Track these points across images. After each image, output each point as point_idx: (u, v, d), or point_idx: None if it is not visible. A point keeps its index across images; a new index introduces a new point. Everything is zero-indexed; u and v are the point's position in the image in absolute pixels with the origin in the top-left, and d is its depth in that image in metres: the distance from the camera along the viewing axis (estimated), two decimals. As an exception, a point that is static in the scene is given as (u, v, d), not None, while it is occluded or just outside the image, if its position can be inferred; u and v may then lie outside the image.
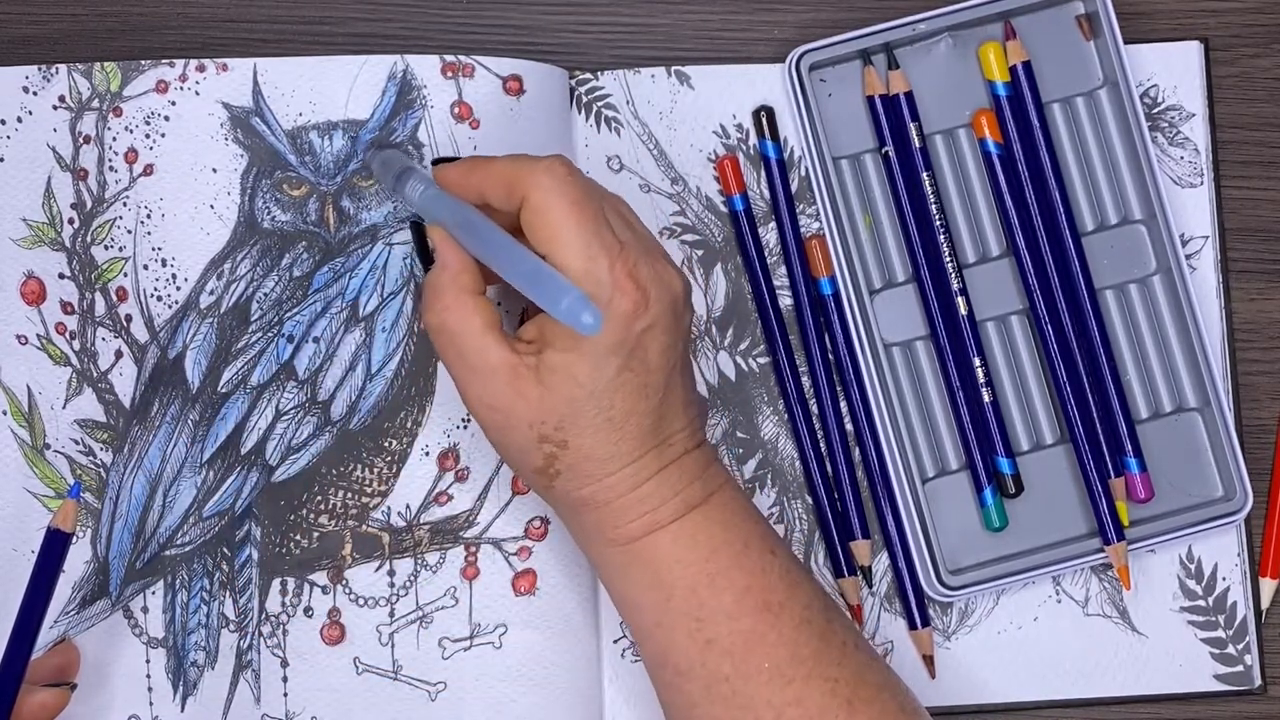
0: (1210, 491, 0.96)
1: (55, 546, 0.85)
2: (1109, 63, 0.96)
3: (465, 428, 0.92)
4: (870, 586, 0.96)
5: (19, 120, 0.92)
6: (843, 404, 0.96)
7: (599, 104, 0.97)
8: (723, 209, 0.97)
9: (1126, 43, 0.96)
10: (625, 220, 0.84)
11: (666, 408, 0.83)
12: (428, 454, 0.92)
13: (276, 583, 0.92)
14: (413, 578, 0.92)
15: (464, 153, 0.93)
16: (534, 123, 0.94)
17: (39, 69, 0.92)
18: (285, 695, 0.91)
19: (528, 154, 0.84)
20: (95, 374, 0.92)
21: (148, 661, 0.91)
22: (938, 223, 0.95)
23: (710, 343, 0.96)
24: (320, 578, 0.92)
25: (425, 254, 0.84)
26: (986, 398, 0.95)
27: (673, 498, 0.83)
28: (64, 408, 0.91)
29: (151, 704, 0.91)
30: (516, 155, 0.84)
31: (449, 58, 0.94)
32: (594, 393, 0.81)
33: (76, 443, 0.91)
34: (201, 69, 0.93)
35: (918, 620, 0.95)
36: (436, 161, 0.86)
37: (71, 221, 0.92)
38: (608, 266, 0.80)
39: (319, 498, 0.92)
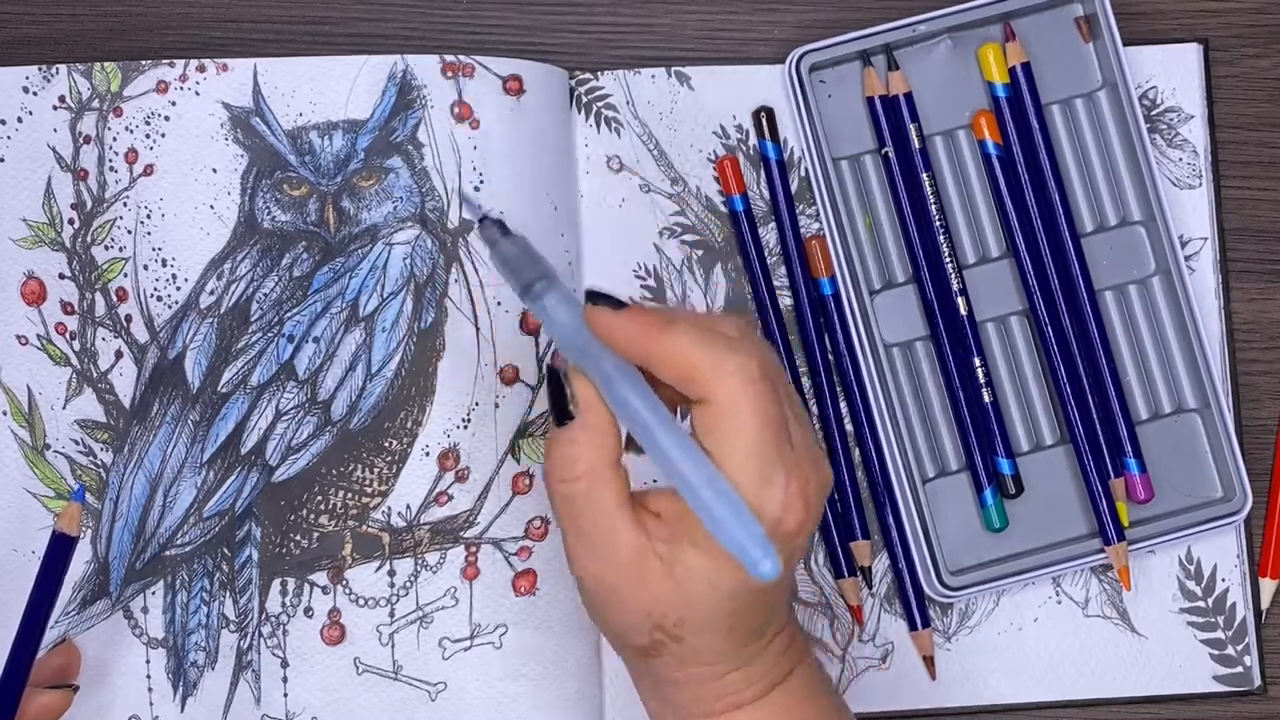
0: (1210, 492, 0.96)
1: (59, 550, 0.85)
2: (1108, 64, 0.96)
3: (465, 427, 0.92)
4: (870, 587, 0.96)
5: (19, 120, 0.92)
6: (843, 404, 0.96)
7: (599, 104, 0.97)
8: (723, 209, 0.97)
9: (1127, 43, 0.96)
10: (798, 416, 0.76)
11: (776, 606, 0.79)
12: (428, 454, 0.92)
13: (277, 583, 0.92)
14: (413, 578, 0.92)
15: (464, 154, 0.93)
16: (534, 123, 0.94)
17: (39, 69, 0.92)
18: (285, 695, 0.91)
19: (713, 333, 0.74)
20: (95, 374, 0.92)
21: (148, 662, 0.91)
22: (937, 223, 0.95)
23: (710, 343, 0.96)
24: (320, 578, 0.92)
25: (562, 405, 0.75)
26: (986, 398, 0.95)
27: (760, 680, 0.79)
28: (64, 408, 0.91)
29: (152, 704, 0.91)
30: (701, 333, 0.73)
31: (449, 58, 0.94)
32: (725, 601, 0.75)
33: (77, 443, 0.91)
34: (202, 69, 0.93)
35: (918, 621, 0.95)
36: (592, 295, 0.75)
37: (72, 222, 0.92)
38: (783, 486, 0.73)
39: (319, 498, 0.92)
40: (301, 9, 0.97)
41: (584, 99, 0.97)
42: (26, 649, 0.83)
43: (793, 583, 0.81)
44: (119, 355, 0.92)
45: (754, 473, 0.73)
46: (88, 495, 0.91)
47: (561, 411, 0.75)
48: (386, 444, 0.92)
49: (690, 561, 0.74)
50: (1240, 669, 0.96)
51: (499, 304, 0.93)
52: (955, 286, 0.95)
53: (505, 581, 0.92)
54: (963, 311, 0.95)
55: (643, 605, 0.75)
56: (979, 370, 0.95)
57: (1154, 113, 0.98)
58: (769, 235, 0.97)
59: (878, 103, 0.96)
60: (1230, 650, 0.96)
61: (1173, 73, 0.98)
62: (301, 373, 0.92)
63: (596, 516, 0.75)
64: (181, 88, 0.93)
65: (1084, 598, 0.96)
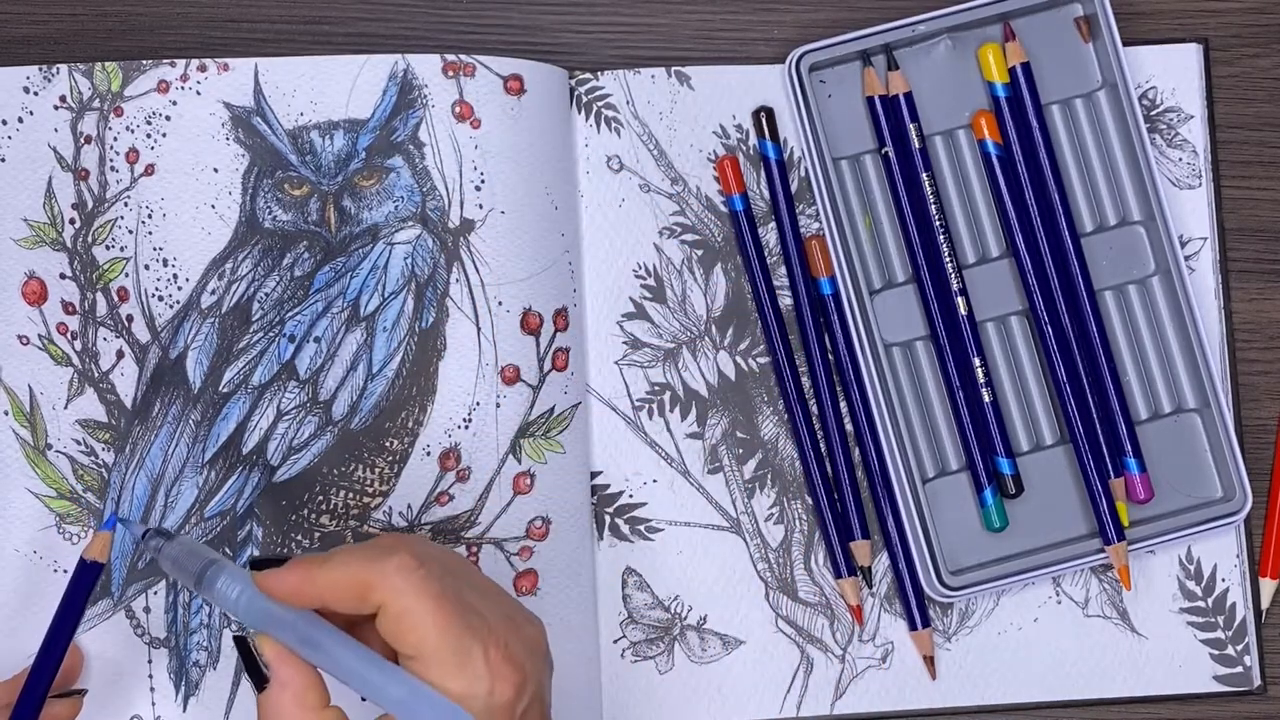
0: (1210, 492, 0.96)
1: (86, 576, 0.84)
2: (1108, 64, 0.96)
3: (466, 427, 0.92)
4: (870, 587, 0.96)
5: (20, 120, 0.92)
6: (843, 404, 0.96)
7: (599, 104, 0.97)
8: (723, 209, 0.97)
9: (1127, 43, 0.96)
10: (477, 586, 0.77)
11: None
12: (429, 454, 0.92)
13: (278, 583, 0.92)
14: (414, 578, 0.92)
15: (465, 153, 0.93)
16: (534, 122, 0.94)
17: (40, 69, 0.92)
18: (287, 695, 0.91)
19: (366, 547, 0.76)
20: (97, 374, 0.92)
21: (150, 662, 0.91)
22: (937, 223, 0.95)
23: (710, 343, 0.96)
24: (322, 578, 0.92)
25: (257, 671, 0.75)
26: (986, 398, 0.95)
27: None
28: (65, 408, 0.91)
29: (154, 704, 0.91)
30: (355, 552, 0.75)
31: (450, 57, 0.94)
32: None
33: (78, 443, 0.91)
34: (203, 69, 0.93)
35: (918, 621, 0.95)
36: (254, 562, 0.76)
37: (73, 221, 0.92)
38: (483, 657, 0.73)
39: (320, 498, 0.92)
40: (302, 9, 0.97)
41: (584, 99, 0.97)
42: (46, 670, 0.83)
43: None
44: (120, 355, 0.92)
45: (448, 657, 0.73)
46: (90, 495, 0.91)
47: (259, 677, 0.75)
48: (388, 444, 0.92)
49: None
50: (1240, 669, 0.96)
51: (500, 304, 0.93)
52: (955, 286, 0.95)
53: (506, 581, 0.92)
54: (963, 311, 0.95)
55: None
56: (979, 370, 0.95)
57: (1154, 113, 0.98)
58: (769, 235, 0.97)
59: (878, 103, 0.96)
60: (1230, 650, 0.96)
61: (1173, 73, 0.99)
62: (303, 373, 0.92)
63: None
64: (182, 87, 0.93)
65: (1084, 598, 0.96)
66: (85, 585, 0.84)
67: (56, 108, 0.92)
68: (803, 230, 0.97)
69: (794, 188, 0.97)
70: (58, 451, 0.91)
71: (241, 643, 0.75)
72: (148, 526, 0.84)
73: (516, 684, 0.74)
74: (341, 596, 0.74)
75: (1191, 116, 0.98)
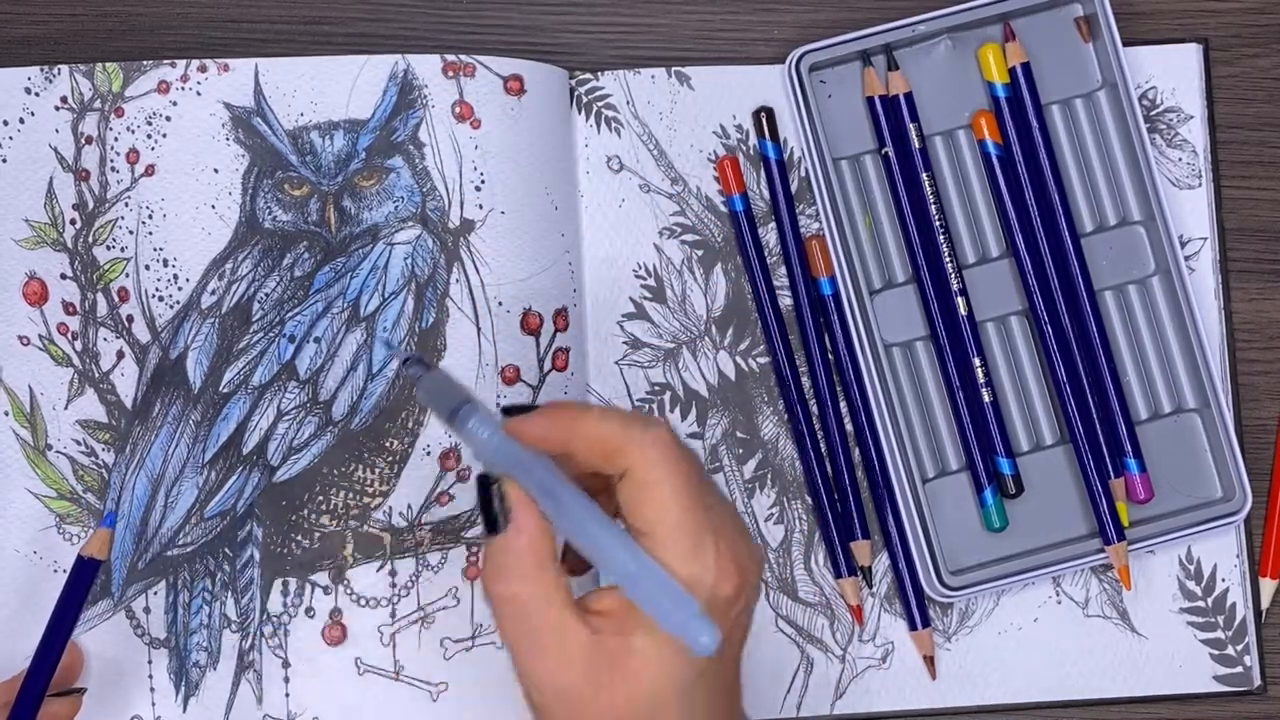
0: (1210, 492, 0.96)
1: (85, 573, 0.84)
2: (1108, 65, 0.96)
3: (466, 428, 0.92)
4: (870, 587, 0.96)
5: (21, 121, 0.92)
6: (843, 404, 0.96)
7: (599, 104, 0.97)
8: (723, 209, 0.97)
9: (1127, 43, 0.96)
10: (715, 490, 0.77)
11: (733, 704, 0.77)
12: (429, 454, 0.92)
13: (278, 583, 0.92)
14: (414, 578, 0.92)
15: (465, 154, 0.93)
16: (535, 122, 0.94)
17: (41, 70, 0.92)
18: (287, 696, 0.91)
19: (626, 412, 0.78)
20: (97, 374, 0.92)
21: (150, 662, 0.91)
22: (937, 223, 0.95)
23: (710, 342, 0.96)
24: (322, 578, 0.92)
25: (491, 515, 0.75)
26: (986, 398, 0.95)
27: None
28: (66, 408, 0.91)
29: (154, 704, 0.91)
30: (614, 413, 0.75)
31: (450, 57, 0.94)
32: (682, 689, 0.73)
33: (78, 443, 0.91)
34: (203, 69, 0.93)
35: (918, 621, 0.95)
36: (507, 410, 0.76)
37: (73, 222, 0.92)
38: (714, 552, 0.73)
39: (320, 498, 0.92)
40: (302, 9, 0.97)
41: (584, 99, 0.97)
42: (45, 667, 0.83)
43: (735, 696, 0.79)
44: (120, 355, 0.92)
45: (683, 543, 0.73)
46: (90, 495, 0.91)
47: (492, 521, 0.75)
48: (388, 444, 0.92)
49: (640, 647, 0.73)
50: (1240, 669, 0.96)
51: (500, 304, 0.93)
52: (955, 286, 0.95)
53: (506, 581, 0.92)
54: (963, 311, 0.95)
55: (603, 712, 0.73)
56: (979, 370, 0.95)
57: (1154, 113, 0.98)
58: (769, 235, 0.97)
59: (878, 103, 0.96)
60: (1230, 650, 0.96)
61: (1172, 73, 0.99)
62: (303, 373, 0.92)
63: (545, 616, 0.73)
64: (183, 88, 0.93)
65: (1084, 598, 0.96)
66: (83, 582, 0.84)
67: (57, 108, 0.92)
68: (803, 230, 0.97)
69: (794, 188, 0.97)
70: (58, 452, 0.91)
71: (484, 482, 0.75)
72: (407, 354, 0.83)
73: (737, 586, 0.73)
74: (591, 449, 0.74)
75: (1191, 116, 0.98)
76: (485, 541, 0.75)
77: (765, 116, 0.97)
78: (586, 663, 0.73)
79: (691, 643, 0.70)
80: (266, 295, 0.92)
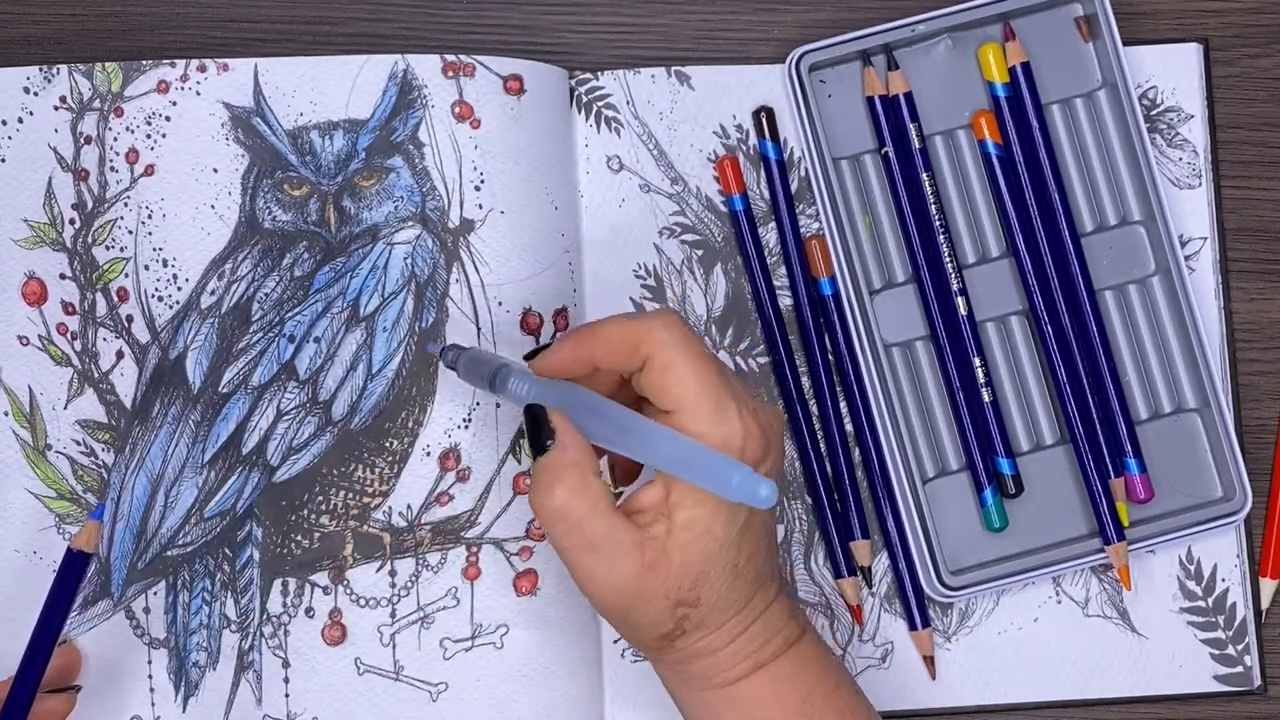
0: (1210, 492, 0.96)
1: (75, 566, 0.84)
2: (1108, 64, 0.96)
3: (466, 427, 0.92)
4: (870, 587, 0.96)
5: (20, 121, 0.92)
6: (843, 404, 0.96)
7: (599, 104, 0.97)
8: (723, 209, 0.97)
9: (1127, 43, 0.96)
10: (720, 361, 0.83)
11: (772, 548, 0.84)
12: (429, 454, 0.92)
13: (278, 583, 0.92)
14: (414, 578, 0.92)
15: (465, 154, 0.93)
16: (534, 122, 0.94)
17: (40, 69, 0.92)
18: (287, 696, 0.91)
19: (632, 314, 0.83)
20: (96, 374, 0.92)
21: (149, 662, 0.91)
22: (937, 223, 0.95)
23: (710, 342, 0.96)
24: (321, 578, 0.92)
25: (539, 438, 0.82)
26: (986, 398, 0.95)
27: (774, 636, 0.83)
28: (65, 408, 0.91)
29: (153, 704, 0.91)
30: (624, 316, 0.83)
31: (450, 57, 0.94)
32: (725, 544, 0.80)
33: (78, 443, 0.91)
34: (203, 69, 0.93)
35: (918, 621, 0.95)
36: (527, 355, 0.85)
37: (73, 222, 0.92)
38: (737, 414, 0.80)
39: (320, 498, 0.92)
40: (302, 9, 0.97)
41: (584, 99, 0.97)
42: (37, 662, 0.83)
43: (774, 541, 0.86)
44: (120, 355, 0.92)
45: (708, 409, 0.79)
46: (90, 496, 0.91)
47: (540, 445, 0.82)
48: (387, 444, 0.92)
49: (683, 521, 0.80)
50: (1240, 669, 0.96)
51: (499, 304, 0.93)
52: (955, 286, 0.95)
53: (506, 582, 0.92)
54: (963, 311, 0.95)
55: (659, 590, 0.80)
56: (979, 370, 0.95)
57: (1154, 113, 0.98)
58: (769, 235, 0.97)
59: (878, 102, 0.96)
60: (1230, 650, 0.96)
61: (1172, 72, 0.99)
62: (302, 373, 0.92)
63: (597, 525, 0.80)
64: (182, 88, 0.93)
65: (1084, 598, 0.96)
66: (74, 576, 0.84)
67: (56, 108, 0.92)
68: (803, 230, 0.97)
69: (794, 188, 0.97)
70: (57, 452, 0.91)
71: (533, 410, 0.82)
72: (441, 345, 0.91)
73: (764, 445, 0.80)
74: (613, 351, 0.81)
75: (1191, 116, 0.98)
76: (534, 464, 0.81)
77: (765, 116, 0.97)
78: (638, 554, 0.80)
79: (752, 499, 0.75)
80: (266, 295, 0.92)
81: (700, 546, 0.80)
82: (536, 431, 0.82)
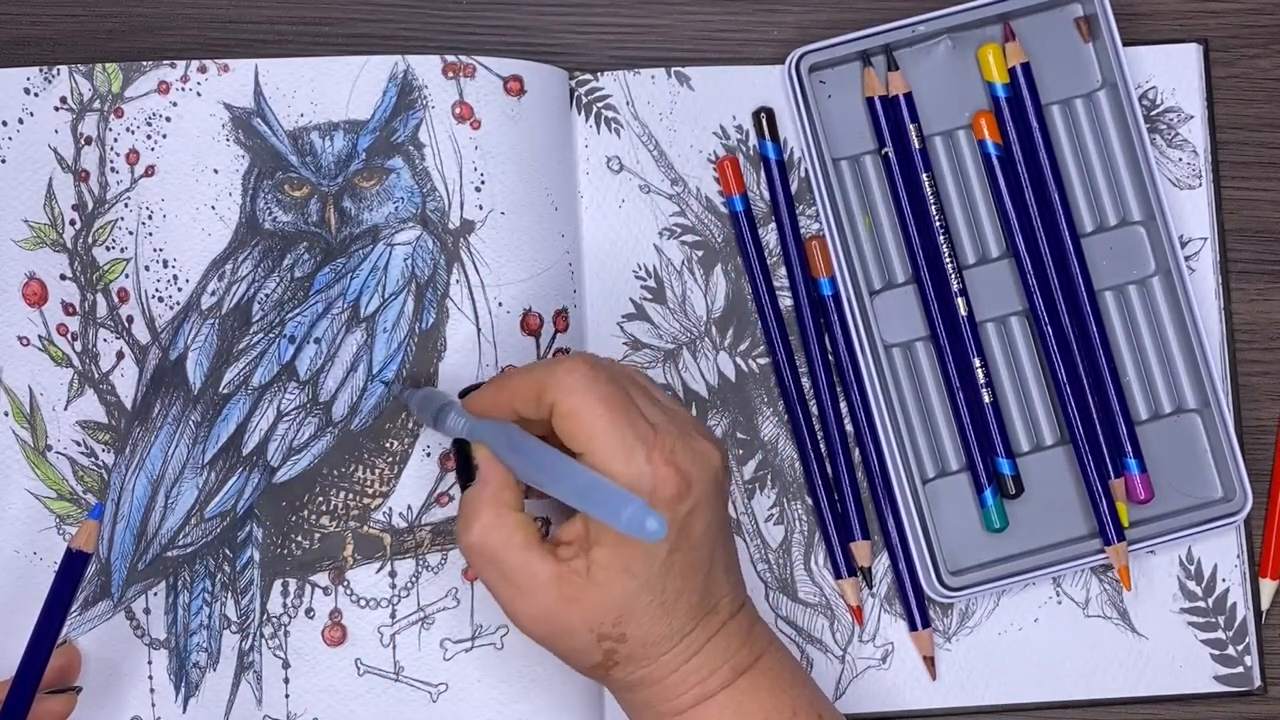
0: (1210, 492, 0.96)
1: (74, 566, 0.84)
2: (1108, 65, 0.96)
3: (466, 428, 0.93)
4: (870, 587, 0.96)
5: (20, 122, 0.92)
6: (843, 405, 0.96)
7: (599, 104, 0.97)
8: (723, 209, 0.97)
9: (1126, 43, 0.96)
10: (652, 399, 0.84)
11: (712, 579, 0.83)
12: (429, 455, 0.92)
13: (278, 584, 0.92)
14: (414, 579, 0.92)
15: (465, 154, 0.93)
16: (535, 123, 0.94)
17: (40, 70, 0.92)
18: (287, 696, 0.91)
19: (548, 360, 0.86)
20: (97, 375, 0.92)
21: (150, 663, 0.91)
22: (937, 224, 0.95)
23: (710, 343, 0.96)
24: (322, 579, 0.92)
25: (467, 472, 0.85)
26: (986, 398, 0.95)
27: (722, 665, 0.83)
28: (65, 409, 0.91)
29: (154, 705, 0.91)
30: (536, 364, 0.86)
31: (450, 58, 0.94)
32: (648, 581, 0.81)
33: (78, 444, 0.91)
34: (203, 70, 0.93)
35: (918, 621, 0.95)
36: (464, 392, 0.88)
37: (73, 223, 0.92)
38: (645, 457, 0.80)
39: (320, 499, 0.92)
40: (302, 9, 0.97)
41: (584, 99, 0.97)
42: (37, 662, 0.83)
43: (736, 560, 0.86)
44: (120, 356, 0.92)
45: (614, 449, 0.80)
46: (90, 496, 0.91)
47: (466, 474, 0.85)
48: (388, 445, 0.92)
49: (602, 559, 0.80)
50: (1240, 669, 0.96)
51: (500, 304, 0.93)
52: (955, 286, 0.95)
53: (506, 582, 0.92)
54: (963, 311, 0.95)
55: (581, 623, 0.81)
56: (979, 370, 0.95)
57: (1154, 113, 0.98)
58: (769, 235, 0.97)
59: (878, 103, 0.96)
60: (1230, 650, 0.96)
61: (1172, 73, 0.99)
62: (303, 373, 0.92)
63: (512, 559, 0.82)
64: (183, 88, 0.93)
65: (1084, 598, 0.96)
66: (73, 576, 0.84)
67: (57, 109, 0.92)
68: (803, 231, 0.97)
69: (794, 188, 0.97)
70: (58, 453, 0.91)
71: (459, 445, 0.86)
72: (400, 387, 0.92)
73: (678, 486, 0.80)
74: (524, 398, 0.83)
75: (1191, 116, 0.98)
76: (460, 498, 0.84)
77: (765, 117, 0.97)
78: (554, 588, 0.81)
79: (639, 532, 0.74)
80: (266, 296, 0.92)
81: (619, 585, 0.80)
82: (463, 466, 0.86)
